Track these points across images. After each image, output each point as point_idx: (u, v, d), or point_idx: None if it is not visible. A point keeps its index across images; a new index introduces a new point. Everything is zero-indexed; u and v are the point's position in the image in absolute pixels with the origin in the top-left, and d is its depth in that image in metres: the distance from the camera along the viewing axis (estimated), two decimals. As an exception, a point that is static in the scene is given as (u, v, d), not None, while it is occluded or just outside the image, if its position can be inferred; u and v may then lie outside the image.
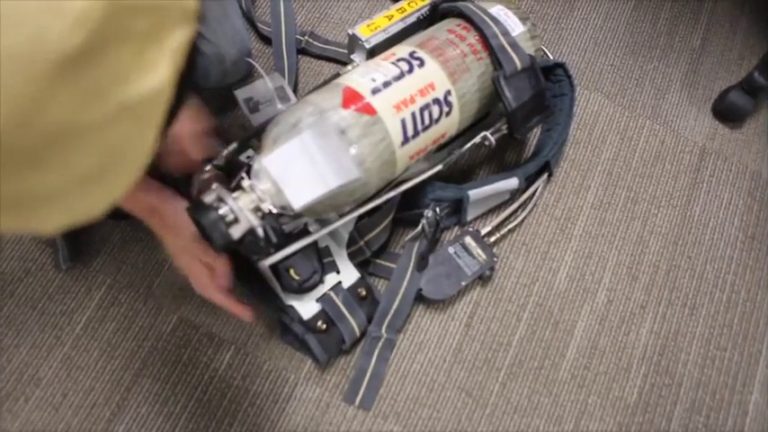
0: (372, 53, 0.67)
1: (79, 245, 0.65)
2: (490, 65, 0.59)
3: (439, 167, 0.62)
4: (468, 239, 0.66)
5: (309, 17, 0.81)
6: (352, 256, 0.62)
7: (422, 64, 0.55)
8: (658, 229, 0.74)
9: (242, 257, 0.55)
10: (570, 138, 0.77)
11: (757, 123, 0.82)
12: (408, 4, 0.71)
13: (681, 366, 0.67)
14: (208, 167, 0.53)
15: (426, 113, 0.54)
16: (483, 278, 0.67)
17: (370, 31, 0.68)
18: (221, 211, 0.46)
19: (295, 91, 0.74)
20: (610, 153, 0.77)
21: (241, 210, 0.46)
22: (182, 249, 0.51)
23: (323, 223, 0.58)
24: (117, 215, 0.66)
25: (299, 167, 0.46)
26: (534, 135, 0.76)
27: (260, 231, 0.46)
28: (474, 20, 0.59)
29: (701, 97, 0.82)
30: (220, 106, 0.72)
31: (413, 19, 0.70)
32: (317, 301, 0.59)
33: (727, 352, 0.69)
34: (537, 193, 0.71)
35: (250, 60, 0.67)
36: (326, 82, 0.58)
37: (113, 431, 0.59)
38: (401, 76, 0.53)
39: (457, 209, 0.67)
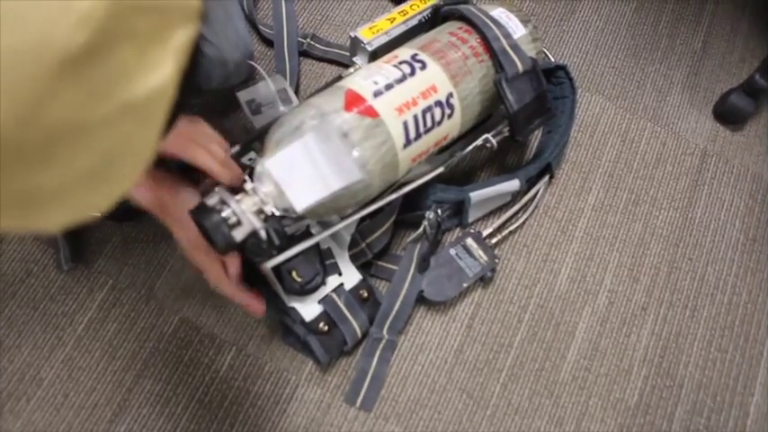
0: (374, 56, 0.68)
1: (81, 246, 0.65)
2: (492, 67, 0.60)
3: (440, 169, 0.62)
4: (470, 241, 0.66)
5: (311, 19, 0.81)
6: (353, 258, 0.62)
7: (424, 66, 0.55)
8: (659, 231, 0.74)
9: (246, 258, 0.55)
10: (571, 140, 0.77)
11: (758, 126, 0.82)
12: (410, 6, 0.71)
13: (682, 368, 0.67)
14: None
15: (428, 116, 0.54)
16: (484, 280, 0.67)
17: (371, 33, 0.69)
18: (224, 214, 0.46)
19: (297, 93, 0.74)
20: (611, 155, 0.77)
21: (244, 212, 0.46)
22: (193, 243, 0.51)
23: (325, 225, 0.58)
24: (119, 216, 0.66)
25: (301, 170, 0.46)
26: (535, 137, 0.76)
27: (262, 234, 0.47)
28: (476, 22, 0.60)
29: (702, 99, 0.83)
30: (222, 108, 0.72)
31: (415, 22, 0.70)
32: (319, 302, 0.59)
33: (728, 354, 0.69)
34: (538, 195, 0.71)
35: (252, 63, 0.67)
36: (328, 85, 0.58)
37: (115, 431, 0.59)
38: (403, 78, 0.54)
39: (458, 211, 0.67)
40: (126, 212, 0.65)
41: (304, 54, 0.77)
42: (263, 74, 0.67)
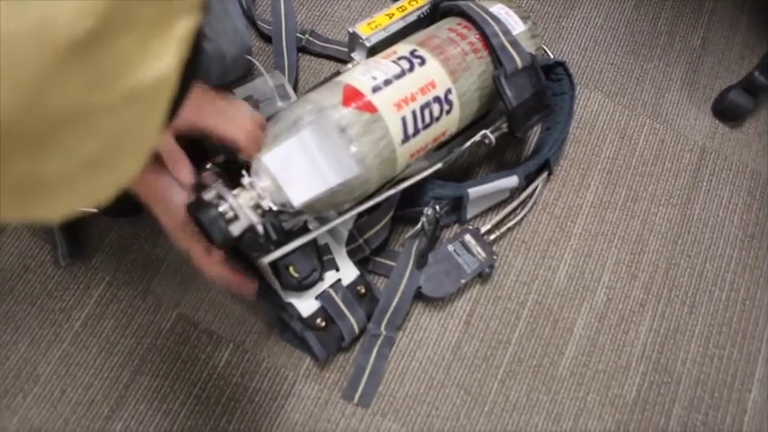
0: (373, 51, 0.67)
1: (78, 242, 0.65)
2: (491, 63, 0.59)
3: (439, 165, 0.62)
4: (468, 237, 0.66)
5: (310, 15, 0.80)
6: (351, 254, 0.62)
7: (422, 62, 0.55)
8: (658, 228, 0.74)
9: (242, 255, 0.55)
10: (570, 136, 0.77)
11: (757, 123, 0.82)
12: (409, 2, 0.71)
13: (680, 364, 0.68)
14: (208, 166, 0.53)
15: (427, 112, 0.54)
16: (482, 276, 0.67)
17: (370, 29, 0.68)
18: (221, 209, 0.46)
19: (295, 89, 0.74)
20: (610, 152, 0.77)
21: (241, 207, 0.46)
22: (178, 226, 0.51)
23: (322, 221, 0.58)
24: (116, 212, 0.66)
25: (298, 165, 0.46)
26: (534, 133, 0.76)
27: (260, 228, 0.46)
28: (475, 18, 0.59)
29: (701, 96, 0.82)
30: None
31: (413, 17, 0.70)
32: (317, 298, 0.59)
33: (726, 350, 0.69)
34: (537, 192, 0.71)
35: (250, 58, 0.67)
36: (327, 80, 0.58)
37: (112, 428, 0.59)
38: (402, 74, 0.53)
39: (457, 207, 0.67)
40: (123, 208, 0.65)
41: (302, 50, 0.77)
42: (261, 69, 0.67)
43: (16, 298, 0.63)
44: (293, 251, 0.56)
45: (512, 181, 0.67)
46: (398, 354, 0.64)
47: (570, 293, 0.69)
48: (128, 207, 0.65)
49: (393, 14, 0.69)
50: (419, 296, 0.65)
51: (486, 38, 0.59)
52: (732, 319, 0.70)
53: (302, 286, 0.57)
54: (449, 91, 0.55)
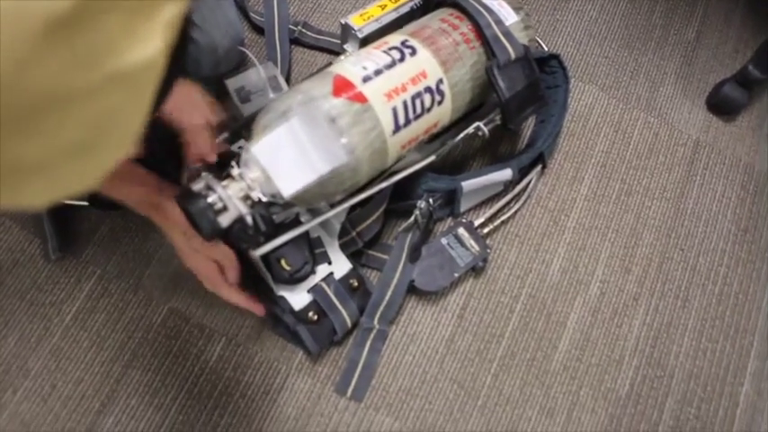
0: (365, 42, 0.67)
1: (69, 235, 0.65)
2: (483, 54, 0.59)
3: (432, 158, 0.61)
4: (462, 231, 0.66)
5: (302, 7, 0.80)
6: (344, 247, 0.62)
7: (414, 52, 0.55)
8: (652, 222, 0.74)
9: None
10: (564, 129, 0.77)
11: (751, 116, 0.82)
12: (402, -7, 0.70)
13: (673, 358, 0.67)
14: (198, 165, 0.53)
15: (418, 102, 0.53)
16: (476, 270, 0.67)
17: (362, 20, 0.68)
18: (210, 200, 0.45)
19: (288, 81, 0.73)
20: (604, 145, 0.77)
21: (230, 198, 0.45)
22: (189, 247, 0.51)
23: (315, 213, 0.58)
24: (107, 205, 0.65)
25: (287, 155, 0.46)
26: (528, 126, 0.75)
27: (249, 220, 0.46)
28: (467, 9, 0.59)
29: (695, 90, 0.82)
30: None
31: (406, 9, 0.69)
32: (309, 291, 0.59)
33: (718, 344, 0.69)
34: (531, 185, 0.71)
35: (243, 49, 0.66)
36: (319, 71, 0.57)
37: (103, 423, 0.59)
38: (393, 64, 0.53)
39: (450, 200, 0.67)
40: (114, 201, 0.64)
41: (295, 42, 0.77)
42: (254, 61, 0.67)
43: (6, 292, 0.62)
44: (285, 244, 0.55)
45: (505, 174, 0.67)
46: (391, 347, 0.64)
47: (564, 287, 0.69)
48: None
49: (386, 5, 0.69)
50: (412, 290, 0.64)
51: (478, 28, 0.58)
52: (725, 313, 0.70)
53: (294, 279, 0.57)
54: (440, 81, 0.55)
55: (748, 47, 0.85)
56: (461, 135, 0.62)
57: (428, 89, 0.54)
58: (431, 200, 0.64)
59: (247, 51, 0.67)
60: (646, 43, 0.84)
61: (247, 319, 0.63)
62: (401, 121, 0.52)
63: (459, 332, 0.65)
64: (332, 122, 0.48)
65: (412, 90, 0.53)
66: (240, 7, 0.76)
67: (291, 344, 0.63)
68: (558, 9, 0.85)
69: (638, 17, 0.86)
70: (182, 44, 0.23)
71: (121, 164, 0.24)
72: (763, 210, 0.77)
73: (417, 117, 0.54)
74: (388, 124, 0.51)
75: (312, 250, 0.59)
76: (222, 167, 0.53)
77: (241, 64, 0.70)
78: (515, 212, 0.71)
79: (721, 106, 0.80)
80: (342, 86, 0.50)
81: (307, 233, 0.58)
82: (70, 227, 0.65)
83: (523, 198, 0.71)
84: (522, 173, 0.70)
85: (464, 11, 0.60)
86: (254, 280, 0.59)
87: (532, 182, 0.71)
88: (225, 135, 0.57)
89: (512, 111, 0.60)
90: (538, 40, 0.77)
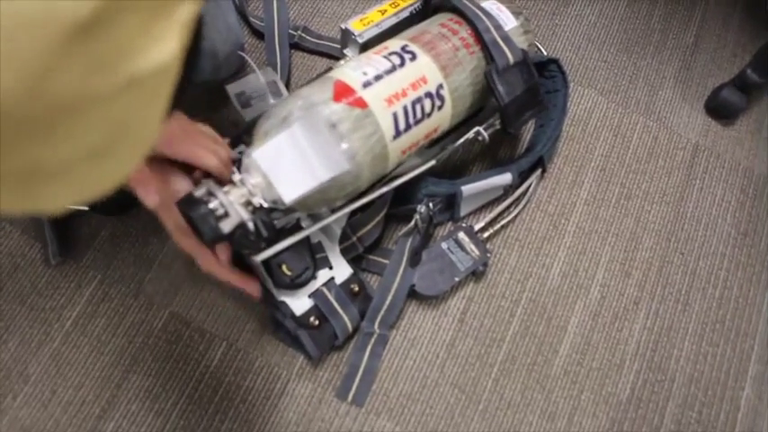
0: (365, 47, 0.67)
1: (69, 239, 0.65)
2: (483, 59, 0.59)
3: (432, 162, 0.61)
4: (462, 235, 0.66)
5: (302, 12, 0.80)
6: (344, 252, 0.62)
7: (414, 58, 0.55)
8: (651, 226, 0.74)
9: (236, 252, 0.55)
10: (564, 134, 0.77)
11: (750, 120, 0.83)
12: (402, -2, 0.70)
13: (673, 362, 0.67)
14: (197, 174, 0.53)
15: (418, 107, 0.54)
16: (476, 274, 0.67)
17: (362, 25, 0.68)
18: (211, 205, 0.45)
19: (288, 86, 0.73)
20: (603, 149, 0.77)
21: (231, 204, 0.45)
22: (181, 228, 0.50)
23: (315, 219, 0.58)
24: (108, 210, 0.65)
25: (289, 161, 0.46)
26: (528, 131, 0.76)
27: (250, 225, 0.46)
28: (466, 14, 0.59)
29: (694, 94, 0.83)
30: (212, 102, 0.71)
31: (406, 13, 0.70)
32: (310, 296, 0.59)
33: (719, 348, 0.69)
34: (530, 189, 0.71)
35: (242, 54, 0.66)
36: (319, 76, 0.57)
37: (103, 428, 0.58)
38: (393, 69, 0.53)
39: (450, 204, 0.67)
40: (115, 206, 0.65)
41: (295, 46, 0.77)
42: (253, 66, 0.67)
43: (6, 297, 0.62)
44: (286, 249, 0.55)
45: (505, 178, 0.67)
46: (392, 352, 0.64)
47: (564, 291, 0.69)
48: (119, 205, 0.64)
49: (385, 11, 0.69)
50: (413, 294, 0.64)
51: (477, 33, 0.58)
52: (725, 317, 0.71)
53: (295, 284, 0.57)
54: (440, 86, 0.55)
55: (746, 51, 0.86)
56: (461, 140, 0.62)
57: (428, 94, 0.54)
58: (431, 204, 0.64)
59: (247, 57, 0.67)
60: (644, 47, 0.85)
61: (248, 324, 0.63)
62: (401, 126, 0.53)
63: (460, 336, 0.65)
64: (332, 128, 0.48)
65: (412, 95, 0.53)
66: (240, 12, 0.77)
67: (292, 349, 0.63)
68: (557, 14, 0.85)
69: (637, 21, 0.86)
70: (192, 46, 0.23)
71: None
72: (763, 213, 0.77)
73: (418, 122, 0.54)
74: (388, 129, 0.51)
75: (313, 255, 0.59)
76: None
77: (241, 69, 0.70)
78: (515, 216, 0.71)
79: (720, 110, 0.80)
80: (342, 92, 0.50)
81: (307, 238, 0.58)
82: (70, 231, 0.65)
83: (523, 202, 0.71)
84: (522, 177, 0.70)
85: (463, 15, 0.60)
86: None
87: (532, 186, 0.71)
88: (226, 141, 0.57)
89: (511, 115, 0.60)
90: (537, 44, 0.77)
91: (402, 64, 0.54)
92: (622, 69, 0.83)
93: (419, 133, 0.55)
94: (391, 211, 0.63)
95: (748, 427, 0.66)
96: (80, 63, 0.18)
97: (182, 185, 0.49)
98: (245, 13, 0.77)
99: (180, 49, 0.21)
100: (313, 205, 0.53)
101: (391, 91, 0.52)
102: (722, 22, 0.88)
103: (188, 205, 0.45)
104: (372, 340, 0.62)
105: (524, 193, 0.71)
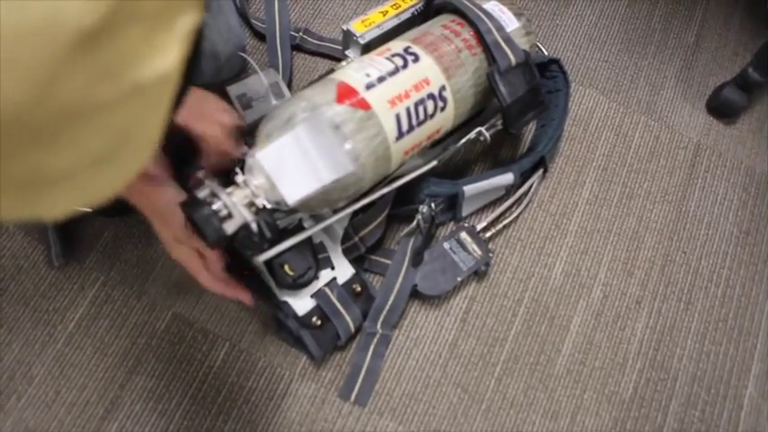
0: (367, 49, 0.67)
1: (72, 241, 0.65)
2: (485, 60, 0.59)
3: (434, 163, 0.61)
4: (464, 235, 0.66)
5: (304, 13, 0.80)
6: (346, 252, 0.62)
7: (416, 59, 0.55)
8: (653, 225, 0.74)
9: (237, 253, 0.55)
10: (565, 133, 0.77)
11: (751, 119, 0.83)
12: (403, -1, 0.71)
13: (676, 361, 0.68)
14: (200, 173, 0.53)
15: (421, 108, 0.54)
16: (478, 274, 0.67)
17: (364, 26, 0.68)
18: (215, 207, 0.45)
19: (289, 87, 0.73)
20: (605, 149, 0.77)
21: (234, 205, 0.46)
22: (173, 238, 0.51)
23: (317, 219, 0.58)
24: (110, 212, 0.65)
25: (292, 162, 0.46)
26: (529, 131, 0.76)
27: (254, 226, 0.46)
28: (468, 15, 0.59)
29: (695, 93, 0.83)
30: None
31: (407, 15, 0.70)
32: (312, 297, 0.59)
33: (722, 346, 0.69)
34: (532, 189, 0.71)
35: (244, 56, 0.67)
36: (321, 77, 0.58)
37: (107, 429, 0.59)
38: (396, 71, 0.53)
39: (452, 204, 0.67)
40: (117, 208, 0.65)
41: (297, 48, 0.77)
42: (255, 67, 0.67)
43: (9, 298, 0.62)
44: (288, 249, 0.55)
45: (507, 178, 0.67)
46: (395, 352, 0.64)
47: (566, 291, 0.69)
48: (122, 206, 0.64)
49: (387, 12, 0.69)
50: (415, 294, 0.64)
51: (479, 34, 0.59)
52: (728, 316, 0.71)
53: (297, 285, 0.57)
54: (443, 88, 0.55)
55: (747, 50, 0.86)
56: (463, 140, 0.62)
57: (431, 96, 0.54)
58: (433, 204, 0.64)
59: (248, 58, 0.67)
60: (645, 47, 0.85)
61: (251, 324, 0.63)
62: (404, 127, 0.53)
63: (463, 336, 0.65)
64: (336, 129, 0.48)
65: (415, 97, 0.53)
66: (241, 14, 0.77)
67: (295, 349, 0.63)
68: (558, 14, 0.85)
69: (638, 21, 0.86)
70: (193, 55, 0.24)
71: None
72: (765, 212, 0.77)
73: (420, 123, 0.54)
74: (391, 131, 0.52)
75: (315, 255, 0.59)
76: (226, 174, 0.54)
77: (242, 71, 0.70)
78: (517, 216, 0.71)
79: (721, 109, 0.80)
80: (345, 93, 0.50)
81: (310, 238, 0.58)
82: (74, 233, 0.65)
83: (525, 202, 0.71)
84: (524, 177, 0.70)
85: (465, 17, 0.60)
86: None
87: (534, 186, 0.71)
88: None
89: (513, 116, 0.60)
90: (538, 44, 0.77)
91: (405, 65, 0.54)
92: (623, 69, 0.83)
93: (422, 134, 0.55)
94: (393, 211, 0.63)
95: (751, 426, 0.66)
96: (85, 71, 0.19)
97: (174, 192, 0.50)
98: (247, 14, 0.77)
99: (181, 58, 0.21)
100: (316, 206, 0.53)
101: (394, 92, 0.52)
102: (723, 22, 0.88)
103: (191, 207, 0.45)
104: (375, 340, 0.62)
105: (526, 193, 0.71)
